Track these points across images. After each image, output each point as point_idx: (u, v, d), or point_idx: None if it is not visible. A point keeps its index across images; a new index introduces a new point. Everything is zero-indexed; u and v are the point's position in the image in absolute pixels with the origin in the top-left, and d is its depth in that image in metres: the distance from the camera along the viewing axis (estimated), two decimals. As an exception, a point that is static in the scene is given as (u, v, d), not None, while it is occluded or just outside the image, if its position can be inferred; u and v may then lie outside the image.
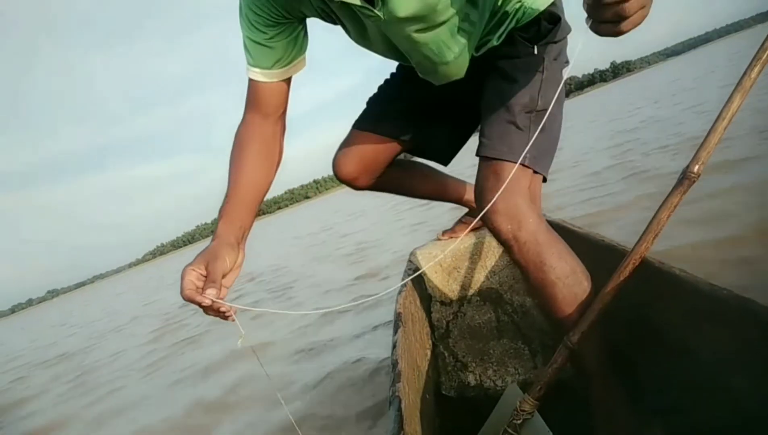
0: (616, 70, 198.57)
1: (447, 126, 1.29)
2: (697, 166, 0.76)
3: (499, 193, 0.86)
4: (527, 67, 0.99)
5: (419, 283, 1.60)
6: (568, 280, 0.89)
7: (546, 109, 0.96)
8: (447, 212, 4.68)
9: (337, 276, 3.92)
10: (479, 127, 1.05)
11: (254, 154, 0.91)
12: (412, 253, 1.74)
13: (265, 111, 0.92)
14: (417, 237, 4.22)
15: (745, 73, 0.69)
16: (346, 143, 1.27)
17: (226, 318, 0.74)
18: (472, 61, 1.01)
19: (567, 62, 1.03)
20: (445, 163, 1.37)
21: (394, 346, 1.03)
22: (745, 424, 0.73)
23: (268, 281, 5.03)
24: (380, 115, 1.25)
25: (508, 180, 0.88)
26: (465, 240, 1.67)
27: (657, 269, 0.92)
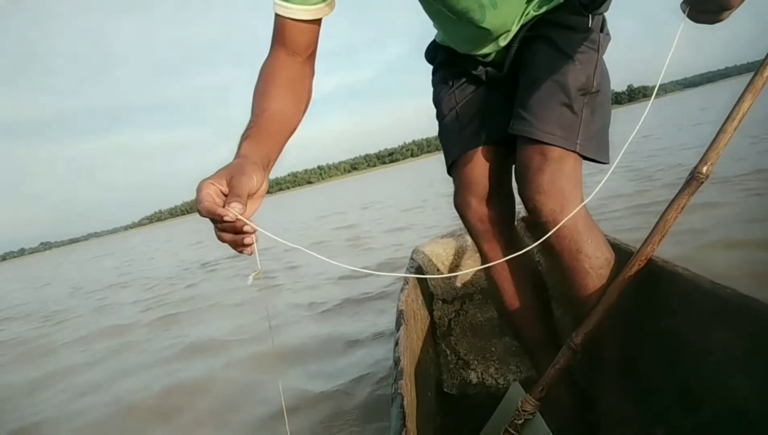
0: (632, 94, 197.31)
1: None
2: (705, 167, 0.74)
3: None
4: (583, 43, 0.93)
5: (421, 280, 1.59)
6: (601, 271, 0.88)
7: (599, 91, 0.93)
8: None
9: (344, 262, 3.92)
10: (518, 98, 0.97)
11: (282, 86, 0.82)
12: (415, 251, 1.74)
13: (292, 49, 0.85)
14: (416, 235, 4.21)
15: (756, 73, 0.68)
16: (457, 185, 1.07)
17: (244, 247, 0.62)
18: (520, 27, 0.95)
19: (609, 35, 0.99)
20: None
21: (396, 344, 1.03)
22: (749, 424, 0.73)
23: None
24: (465, 134, 1.07)
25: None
26: (466, 238, 1.67)
27: (660, 267, 0.92)
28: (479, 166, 1.03)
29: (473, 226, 1.05)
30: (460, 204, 1.06)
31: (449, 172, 1.10)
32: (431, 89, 1.17)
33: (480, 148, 1.04)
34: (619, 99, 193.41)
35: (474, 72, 1.05)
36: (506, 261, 1.03)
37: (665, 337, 0.93)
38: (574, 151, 0.90)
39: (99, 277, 8.63)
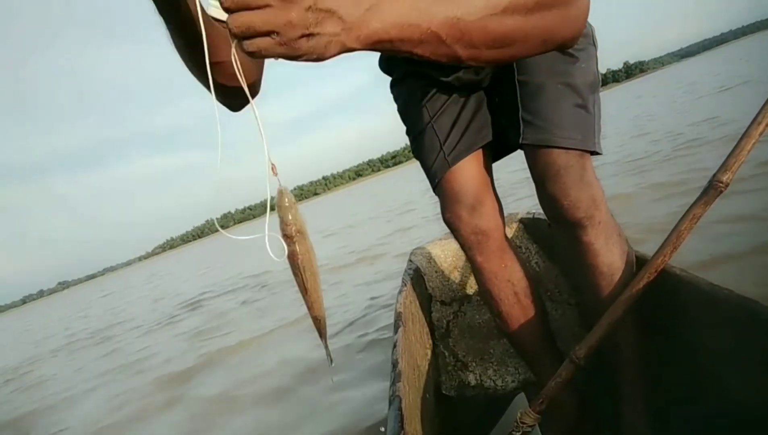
0: (629, 71, 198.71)
1: (494, 109, 1.04)
2: (726, 176, 0.70)
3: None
4: (586, 39, 0.90)
5: (419, 282, 1.60)
6: (614, 277, 0.88)
7: (599, 83, 0.92)
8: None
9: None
10: (520, 106, 0.91)
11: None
12: (413, 253, 1.74)
13: None
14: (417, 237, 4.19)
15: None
16: (445, 199, 1.02)
17: None
18: None
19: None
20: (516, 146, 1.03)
21: (395, 346, 1.03)
22: (746, 424, 0.73)
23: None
24: (446, 149, 1.01)
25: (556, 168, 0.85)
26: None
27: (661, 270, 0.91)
28: (465, 176, 0.99)
29: (466, 239, 1.00)
30: (450, 218, 1.00)
31: (435, 190, 1.04)
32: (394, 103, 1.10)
33: (464, 159, 0.99)
34: (617, 77, 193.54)
35: (444, 79, 0.98)
36: (502, 268, 1.01)
37: (663, 338, 0.93)
38: (592, 152, 0.89)
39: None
